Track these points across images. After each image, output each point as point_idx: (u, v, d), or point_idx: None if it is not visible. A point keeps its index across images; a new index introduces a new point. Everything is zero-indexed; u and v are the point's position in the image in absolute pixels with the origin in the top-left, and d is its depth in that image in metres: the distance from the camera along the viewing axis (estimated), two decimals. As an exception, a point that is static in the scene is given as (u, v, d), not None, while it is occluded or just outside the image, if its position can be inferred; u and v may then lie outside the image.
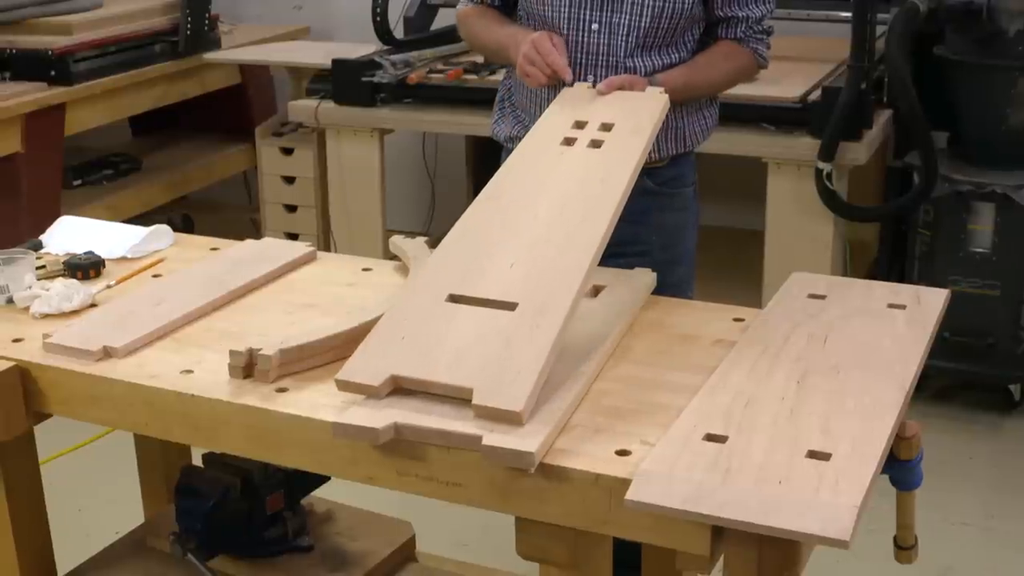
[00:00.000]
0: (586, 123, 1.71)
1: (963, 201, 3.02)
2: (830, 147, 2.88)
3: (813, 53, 3.38)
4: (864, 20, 2.91)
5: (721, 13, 1.95)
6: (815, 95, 3.00)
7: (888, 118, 3.15)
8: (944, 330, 2.83)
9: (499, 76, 3.03)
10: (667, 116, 1.92)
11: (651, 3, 1.88)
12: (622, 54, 1.90)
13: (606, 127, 1.70)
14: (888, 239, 3.36)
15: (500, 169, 1.66)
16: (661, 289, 1.72)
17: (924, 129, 2.87)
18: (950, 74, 3.09)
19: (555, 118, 1.75)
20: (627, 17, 1.89)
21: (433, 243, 1.61)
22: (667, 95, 1.77)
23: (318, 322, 1.59)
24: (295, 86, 3.90)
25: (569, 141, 1.68)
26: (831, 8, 3.34)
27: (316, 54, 3.78)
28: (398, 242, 1.88)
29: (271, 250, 1.90)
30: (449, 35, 3.61)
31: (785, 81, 3.01)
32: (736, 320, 1.61)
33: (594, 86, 1.83)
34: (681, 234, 2.06)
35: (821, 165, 2.89)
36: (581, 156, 1.65)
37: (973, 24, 2.95)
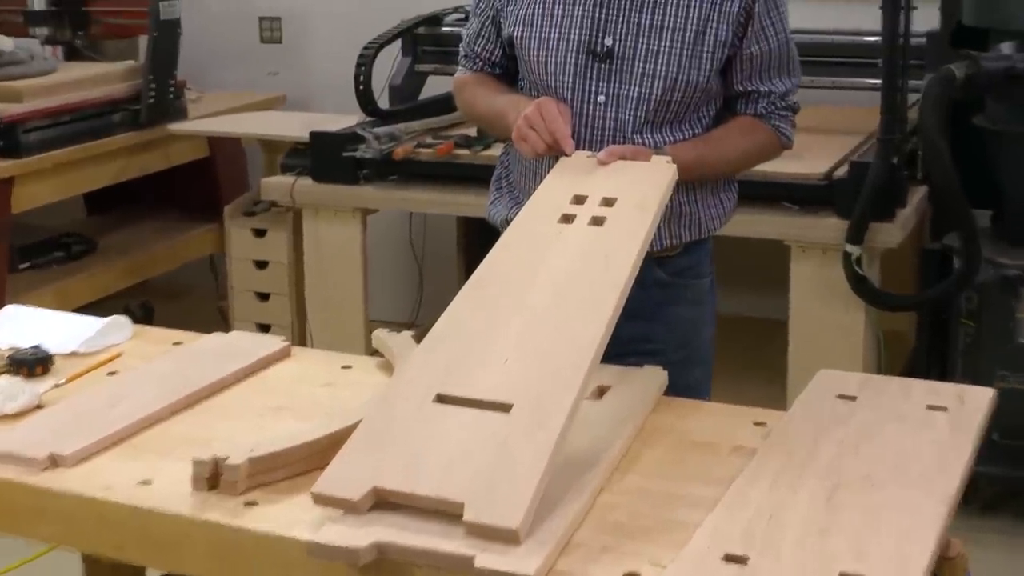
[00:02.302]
0: (586, 197, 1.73)
1: (1010, 287, 3.03)
2: (859, 228, 2.91)
3: (839, 125, 3.43)
4: (895, 88, 2.97)
5: (741, 87, 1.99)
6: (842, 171, 3.04)
7: (923, 196, 3.19)
8: (993, 432, 2.82)
9: (495, 151, 3.06)
10: (680, 200, 1.97)
11: (663, 74, 1.91)
12: (630, 129, 1.93)
13: (608, 202, 1.72)
14: (926, 330, 3.37)
15: (492, 251, 1.67)
16: (674, 391, 1.73)
17: (964, 207, 2.89)
18: (991, 146, 3.13)
19: (552, 192, 1.77)
20: (636, 89, 1.92)
21: (420, 337, 1.62)
22: (675, 165, 1.80)
23: (292, 427, 1.59)
24: (269, 161, 3.95)
25: (568, 218, 1.70)
26: (858, 75, 3.39)
27: (292, 126, 3.83)
28: (382, 336, 1.89)
29: (240, 345, 1.91)
30: (439, 105, 3.66)
31: (808, 156, 3.05)
32: (757, 424, 1.61)
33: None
34: (697, 330, 2.07)
35: (850, 248, 2.92)
36: (581, 235, 1.67)
37: (1016, 90, 2.99)
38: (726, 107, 2.03)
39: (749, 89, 1.99)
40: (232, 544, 1.40)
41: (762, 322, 3.67)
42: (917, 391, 1.67)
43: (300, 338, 3.64)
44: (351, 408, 1.60)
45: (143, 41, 4.11)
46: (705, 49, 1.91)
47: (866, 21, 3.26)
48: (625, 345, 1.71)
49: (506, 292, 1.59)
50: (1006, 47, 3.03)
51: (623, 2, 1.91)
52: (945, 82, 2.92)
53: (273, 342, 1.92)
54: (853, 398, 1.65)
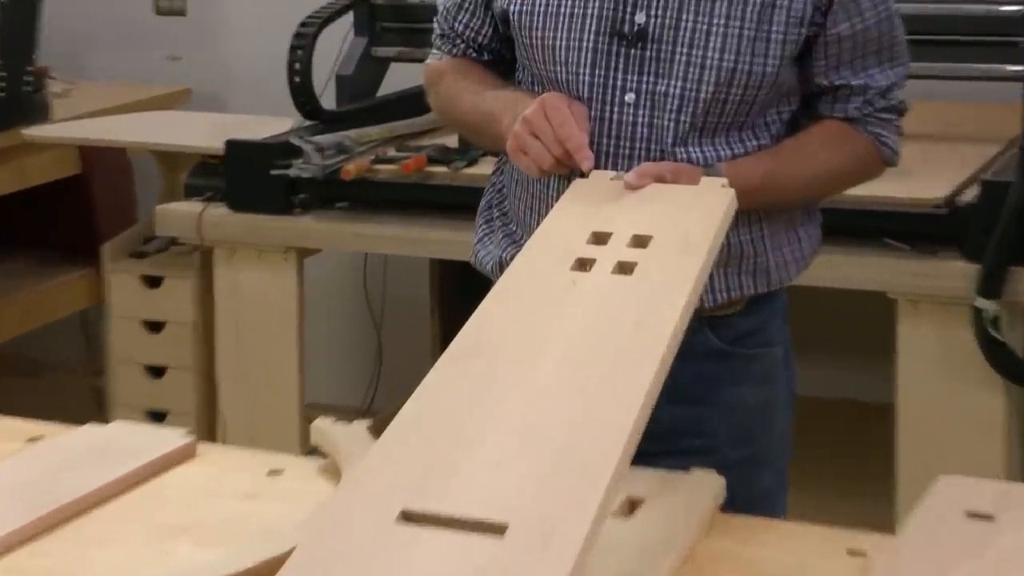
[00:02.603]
0: (610, 235, 1.74)
1: None
2: (995, 275, 2.92)
3: (964, 129, 3.45)
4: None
5: (825, 81, 2.00)
6: (969, 195, 3.05)
7: (1087, 229, 3.20)
8: None
9: (483, 169, 3.09)
10: (740, 238, 1.99)
11: (715, 63, 1.93)
12: (670, 139, 1.95)
13: (640, 241, 1.73)
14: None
15: (480, 308, 1.68)
16: (735, 504, 1.73)
17: None
18: None
19: (563, 227, 1.78)
20: (679, 83, 1.94)
21: (379, 428, 1.62)
22: (733, 189, 1.80)
23: (197, 557, 1.59)
24: (167, 180, 3.96)
25: (585, 263, 1.71)
26: (991, 59, 3.41)
27: (200, 131, 3.85)
28: (324, 428, 1.89)
29: (125, 440, 1.91)
30: (405, 104, 3.69)
31: (921, 174, 3.06)
32: (853, 554, 1.61)
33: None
34: (765, 420, 2.08)
35: (982, 304, 2.92)
36: (603, 287, 1.67)
37: None
38: (805, 109, 2.05)
39: (837, 83, 2.00)
40: None
41: (858, 407, 3.67)
42: (1079, 505, 1.67)
43: (209, 430, 3.64)
44: (281, 530, 1.60)
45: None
46: (774, 28, 1.93)
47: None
48: (666, 440, 1.72)
49: (499, 366, 1.59)
50: None
51: (660, -36, 1.94)
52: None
53: (171, 437, 1.91)
54: (989, 517, 1.64)
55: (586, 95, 1.97)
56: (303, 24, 3.66)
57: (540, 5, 1.99)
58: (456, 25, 2.12)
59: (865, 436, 3.35)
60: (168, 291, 3.83)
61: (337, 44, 3.86)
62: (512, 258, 1.83)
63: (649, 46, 1.94)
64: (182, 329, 3.82)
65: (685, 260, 1.69)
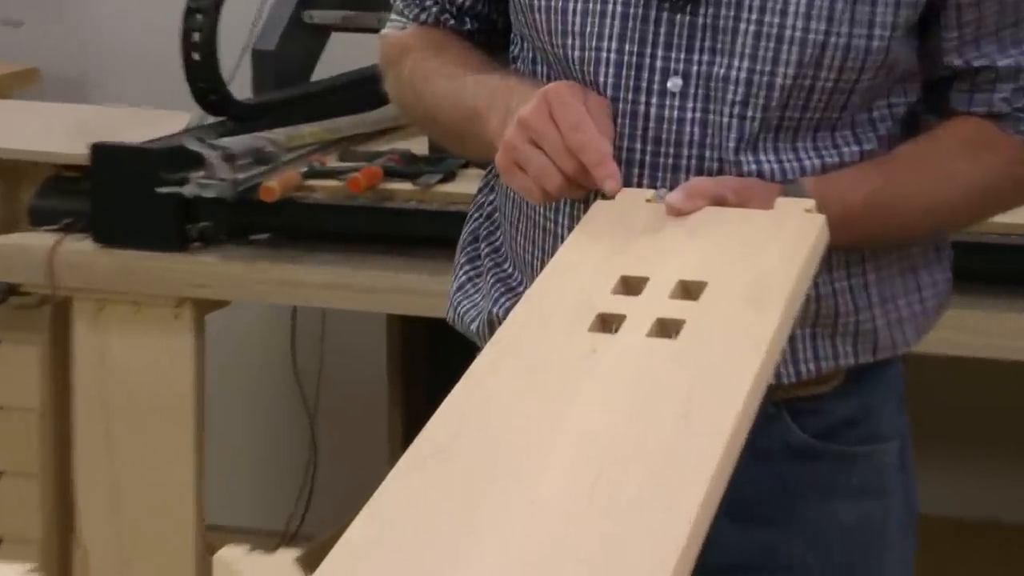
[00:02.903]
0: (646, 281, 1.75)
1: None
2: None
3: None
4: None
5: (959, 61, 2.01)
6: None
7: None
8: None
9: (464, 187, 3.13)
10: (834, 286, 2.01)
11: (798, 35, 1.92)
12: (732, 143, 1.97)
13: (689, 290, 1.74)
14: None
15: (460, 385, 1.67)
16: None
17: None
18: None
19: (579, 269, 1.80)
20: (745, 64, 1.95)
21: (312, 560, 1.64)
22: (823, 216, 1.80)
23: None
24: (5, 201, 3.97)
25: (609, 322, 1.72)
26: None
27: (53, 130, 3.88)
28: (233, 560, 1.91)
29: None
30: (352, 92, 3.74)
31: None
32: None
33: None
34: (874, 547, 2.09)
35: None
36: (636, 358, 1.68)
37: None
38: (929, 101, 2.08)
39: (976, 64, 2.01)
40: None
41: (1008, 531, 3.70)
42: None
43: (62, 565, 3.64)
44: None
45: None
46: (881, -11, 1.95)
47: None
48: (728, 574, 1.74)
49: (487, 471, 1.60)
50: None
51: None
52: None
53: (6, 575, 1.95)
54: None
55: (611, 81, 1.98)
56: (204, -22, 3.68)
57: None
58: None
59: (1018, 570, 3.38)
60: (4, 362, 3.85)
61: (254, 6, 3.88)
62: (507, 313, 1.84)
63: (702, 11, 1.95)
64: (23, 417, 3.82)
65: (754, 317, 1.71)
